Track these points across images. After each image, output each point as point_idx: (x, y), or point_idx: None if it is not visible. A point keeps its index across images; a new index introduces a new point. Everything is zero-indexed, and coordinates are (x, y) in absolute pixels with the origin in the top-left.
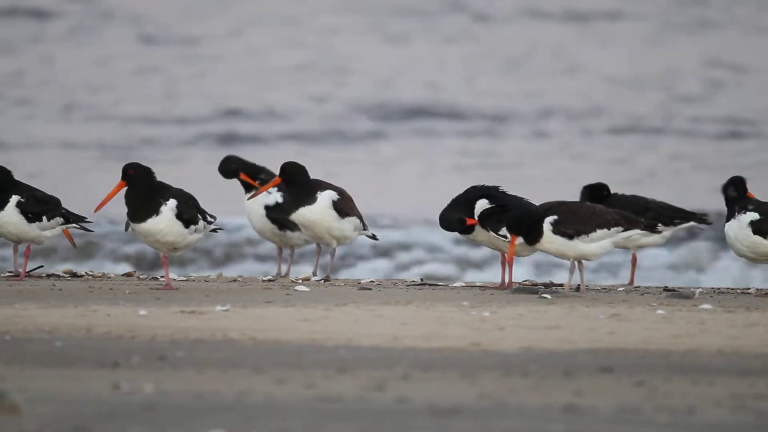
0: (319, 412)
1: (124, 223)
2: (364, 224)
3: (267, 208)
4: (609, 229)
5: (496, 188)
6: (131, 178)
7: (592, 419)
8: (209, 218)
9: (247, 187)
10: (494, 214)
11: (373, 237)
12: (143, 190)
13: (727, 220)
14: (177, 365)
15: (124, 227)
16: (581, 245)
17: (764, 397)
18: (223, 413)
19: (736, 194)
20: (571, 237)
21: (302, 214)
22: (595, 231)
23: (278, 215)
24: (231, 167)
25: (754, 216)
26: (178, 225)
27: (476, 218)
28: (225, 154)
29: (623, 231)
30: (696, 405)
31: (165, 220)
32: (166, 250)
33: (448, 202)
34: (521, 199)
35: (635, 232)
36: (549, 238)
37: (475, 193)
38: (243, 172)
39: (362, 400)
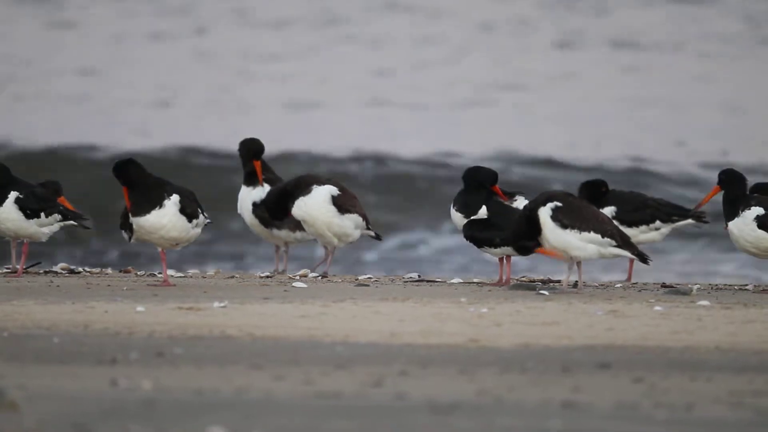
0: (318, 408)
1: (125, 236)
2: (367, 222)
3: (254, 204)
4: (603, 237)
5: (499, 203)
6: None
7: (590, 415)
8: (206, 214)
9: (249, 179)
10: (478, 227)
11: (377, 237)
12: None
13: (729, 218)
14: (175, 362)
15: (127, 238)
16: (571, 237)
17: (762, 393)
18: (221, 409)
19: (737, 190)
20: (565, 227)
21: (299, 207)
22: (589, 232)
23: (263, 212)
24: (256, 146)
25: (759, 211)
26: (182, 220)
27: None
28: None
29: (614, 247)
30: (694, 401)
31: (169, 215)
32: (169, 246)
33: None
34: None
35: (625, 253)
36: (546, 223)
37: (481, 200)
38: (260, 160)
39: (360, 396)
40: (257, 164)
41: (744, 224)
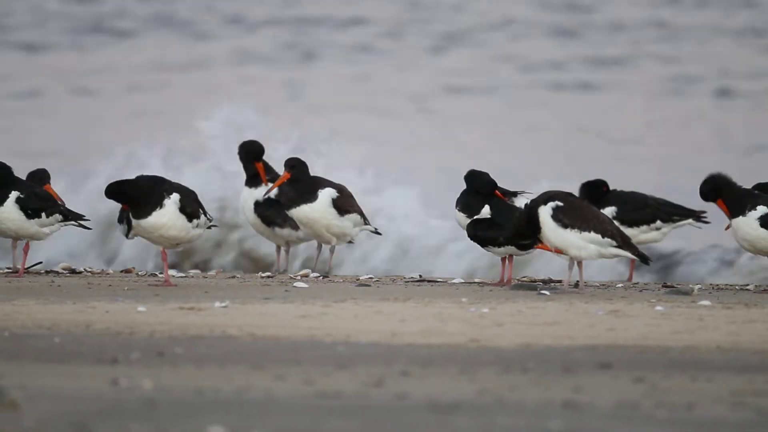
0: (318, 408)
1: (123, 231)
2: (365, 219)
3: (256, 204)
4: (603, 237)
5: (502, 202)
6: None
7: (591, 415)
8: (209, 216)
9: (251, 180)
10: (482, 227)
11: (376, 231)
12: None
13: (734, 215)
14: (176, 361)
15: (124, 235)
16: (571, 236)
17: (763, 393)
18: (222, 409)
19: (733, 191)
20: (566, 226)
21: (303, 211)
22: (589, 232)
23: (265, 211)
24: (256, 149)
25: (765, 210)
26: (182, 219)
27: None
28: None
29: (615, 247)
30: (695, 401)
31: (168, 214)
32: (169, 245)
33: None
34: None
35: (625, 254)
36: (546, 222)
37: (483, 201)
38: (262, 163)
39: (361, 396)
40: (259, 166)
41: (746, 223)
